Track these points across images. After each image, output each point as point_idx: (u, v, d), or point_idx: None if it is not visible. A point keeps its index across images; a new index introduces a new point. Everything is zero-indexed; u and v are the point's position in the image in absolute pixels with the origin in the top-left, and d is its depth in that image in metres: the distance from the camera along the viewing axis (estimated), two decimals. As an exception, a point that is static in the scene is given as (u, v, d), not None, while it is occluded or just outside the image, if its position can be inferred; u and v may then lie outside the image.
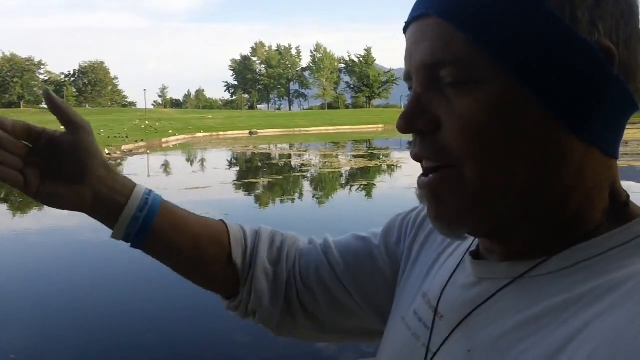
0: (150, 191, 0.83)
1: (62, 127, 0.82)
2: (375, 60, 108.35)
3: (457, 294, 0.59)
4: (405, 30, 0.56)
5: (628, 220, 0.51)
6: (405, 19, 0.56)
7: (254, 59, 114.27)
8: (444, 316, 0.59)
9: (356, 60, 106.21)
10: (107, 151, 29.19)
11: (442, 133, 0.51)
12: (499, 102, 0.49)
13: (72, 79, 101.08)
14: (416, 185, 0.57)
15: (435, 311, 0.61)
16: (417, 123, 0.53)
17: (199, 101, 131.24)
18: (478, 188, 0.51)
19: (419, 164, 0.57)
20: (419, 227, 0.78)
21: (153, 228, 0.81)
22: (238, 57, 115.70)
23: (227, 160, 26.91)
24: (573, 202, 0.51)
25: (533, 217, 0.52)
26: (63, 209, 0.77)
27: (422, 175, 0.55)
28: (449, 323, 0.57)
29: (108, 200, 0.77)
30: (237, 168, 23.49)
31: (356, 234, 0.92)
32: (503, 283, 0.53)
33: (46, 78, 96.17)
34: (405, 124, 0.53)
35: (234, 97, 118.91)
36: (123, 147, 32.36)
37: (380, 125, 58.05)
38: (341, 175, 18.84)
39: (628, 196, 0.54)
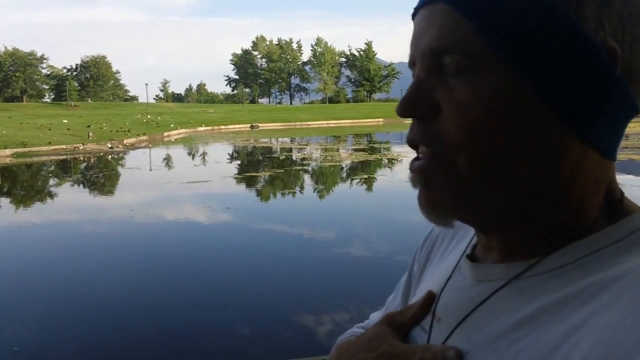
0: None
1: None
2: (375, 54, 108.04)
3: (454, 297, 0.59)
4: (414, 15, 0.56)
5: (622, 217, 0.51)
6: (408, 12, 0.57)
7: (255, 53, 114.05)
8: (441, 319, 0.59)
9: (357, 54, 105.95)
10: (109, 145, 29.23)
11: (441, 120, 0.51)
12: (500, 94, 0.48)
13: (75, 73, 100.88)
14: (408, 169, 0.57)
15: (433, 314, 0.61)
16: (417, 108, 0.52)
17: (200, 95, 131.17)
18: (470, 178, 0.51)
19: None
20: (426, 249, 0.78)
21: None
22: (239, 51, 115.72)
23: (229, 154, 26.95)
24: (569, 201, 0.51)
25: (528, 214, 0.52)
26: None
27: (415, 159, 0.55)
28: (446, 325, 0.57)
29: None
30: (239, 162, 23.54)
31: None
32: (499, 284, 0.54)
33: (48, 72, 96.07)
34: (405, 108, 0.53)
35: (235, 91, 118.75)
36: (125, 141, 32.40)
37: (381, 119, 58.03)
38: (342, 169, 18.89)
39: (622, 193, 0.54)
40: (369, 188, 14.53)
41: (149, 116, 51.55)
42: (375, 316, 0.83)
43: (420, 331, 0.62)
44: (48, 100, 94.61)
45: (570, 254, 0.50)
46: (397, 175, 16.40)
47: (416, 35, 0.54)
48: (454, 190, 0.52)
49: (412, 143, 0.55)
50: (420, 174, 0.54)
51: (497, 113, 0.49)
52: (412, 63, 0.56)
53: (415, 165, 0.55)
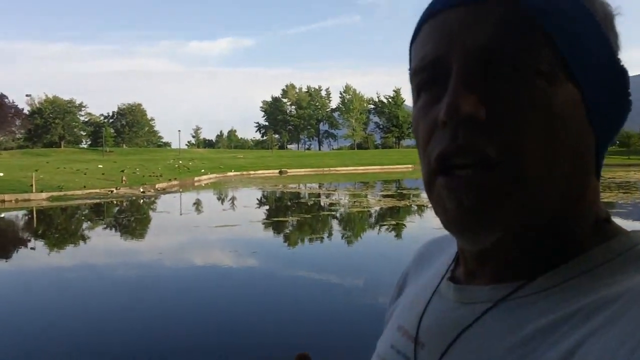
0: None
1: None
2: (404, 101, 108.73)
3: (437, 321, 0.57)
4: (429, 17, 0.53)
5: (611, 236, 0.50)
6: None
7: (285, 100, 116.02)
8: (425, 344, 0.56)
9: (385, 101, 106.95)
10: (141, 189, 29.80)
11: (494, 121, 0.48)
12: (558, 100, 0.47)
13: (111, 120, 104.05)
14: (440, 186, 0.50)
15: (415, 341, 0.58)
16: (469, 108, 0.47)
17: (230, 141, 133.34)
18: (521, 186, 0.48)
19: None
20: (401, 282, 0.77)
21: None
22: (269, 99, 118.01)
23: (257, 198, 27.17)
24: (573, 217, 0.51)
25: (552, 224, 0.50)
26: None
27: (444, 174, 0.50)
28: (432, 351, 0.55)
29: None
30: (267, 206, 23.69)
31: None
32: (485, 307, 0.52)
33: (86, 119, 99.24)
34: (451, 109, 0.47)
35: (265, 137, 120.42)
36: (157, 186, 33.01)
37: (410, 165, 57.94)
38: (370, 215, 18.84)
39: (608, 213, 0.53)
40: (398, 235, 14.42)
41: (180, 161, 52.57)
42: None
43: (402, 359, 0.59)
44: (85, 146, 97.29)
45: (560, 274, 0.49)
46: (427, 222, 16.27)
47: (449, 35, 0.50)
48: (501, 200, 0.48)
49: (451, 153, 0.49)
50: (467, 189, 0.48)
51: (554, 118, 0.47)
52: (430, 66, 0.51)
53: (459, 182, 0.49)
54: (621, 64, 0.50)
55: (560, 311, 0.46)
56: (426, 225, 15.21)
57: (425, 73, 0.52)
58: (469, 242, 0.53)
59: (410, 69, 0.55)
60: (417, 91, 0.54)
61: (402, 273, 0.78)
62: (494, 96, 0.48)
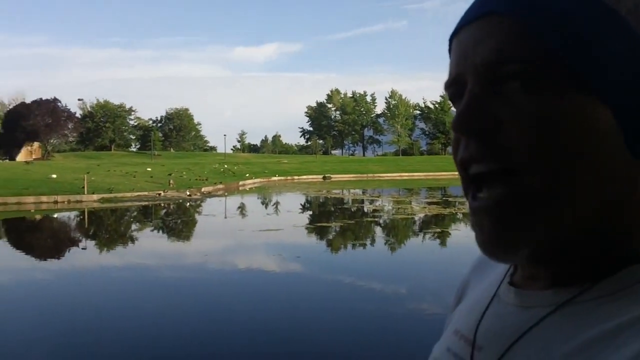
0: None
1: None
2: (451, 106, 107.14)
3: (496, 325, 0.56)
4: (454, 36, 0.55)
5: None
6: None
7: (329, 105, 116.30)
8: (483, 348, 0.55)
9: (432, 106, 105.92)
10: (188, 192, 30.35)
11: (502, 135, 0.48)
12: (570, 107, 0.47)
13: (159, 124, 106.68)
14: (469, 208, 0.53)
15: (473, 344, 0.57)
16: (476, 121, 0.49)
17: (275, 146, 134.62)
18: (544, 200, 0.48)
19: None
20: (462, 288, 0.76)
21: None
22: (314, 104, 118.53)
23: (301, 203, 27.27)
24: (625, 223, 0.50)
25: (590, 236, 0.50)
26: None
27: (472, 197, 0.52)
28: (489, 355, 0.54)
29: None
30: (310, 212, 23.75)
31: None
32: (546, 311, 0.51)
33: (136, 123, 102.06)
34: (462, 121, 0.50)
35: (309, 143, 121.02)
36: (203, 189, 33.57)
37: (456, 173, 56.94)
38: (414, 222, 18.62)
39: None
40: (443, 242, 14.19)
41: (226, 166, 53.37)
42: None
43: None
44: (134, 149, 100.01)
45: (624, 279, 0.48)
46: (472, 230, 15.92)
47: (465, 52, 0.52)
48: (527, 217, 0.49)
49: (466, 162, 0.51)
50: (490, 211, 0.50)
51: (569, 126, 0.47)
52: (453, 83, 0.54)
53: (481, 205, 0.51)
54: None
55: (623, 316, 0.45)
56: (472, 233, 14.86)
57: (451, 89, 0.54)
58: (500, 262, 0.53)
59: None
60: (452, 103, 0.56)
61: (461, 280, 0.75)
62: (500, 110, 0.49)
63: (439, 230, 16.37)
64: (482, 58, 0.50)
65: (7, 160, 59.21)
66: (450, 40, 0.56)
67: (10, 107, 77.42)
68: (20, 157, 66.32)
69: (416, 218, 19.57)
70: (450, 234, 15.67)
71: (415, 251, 13.16)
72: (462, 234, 14.90)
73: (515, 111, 0.48)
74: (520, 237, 0.49)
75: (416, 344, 6.02)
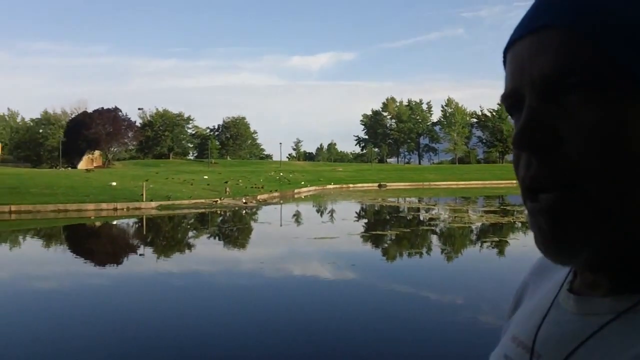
0: None
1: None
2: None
3: (555, 332, 0.56)
4: (508, 49, 0.55)
5: None
6: None
7: (385, 113, 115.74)
8: (541, 356, 0.55)
9: (489, 114, 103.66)
10: (244, 200, 30.82)
11: (565, 149, 0.48)
12: (633, 117, 0.46)
13: (216, 133, 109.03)
14: (528, 211, 0.53)
15: (531, 352, 0.57)
16: (538, 137, 0.49)
17: (330, 154, 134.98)
18: (605, 210, 0.47)
19: None
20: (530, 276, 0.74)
21: None
22: (369, 112, 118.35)
23: (356, 212, 27.19)
24: None
25: None
26: None
27: (530, 200, 0.52)
28: None
29: None
30: (365, 220, 23.62)
31: None
32: (607, 318, 0.50)
33: (193, 132, 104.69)
34: (524, 138, 0.49)
35: (364, 151, 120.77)
36: (258, 197, 33.99)
37: (514, 181, 55.09)
38: (471, 231, 18.21)
39: None
40: (501, 252, 13.81)
41: (281, 173, 53.93)
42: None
43: None
44: (192, 157, 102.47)
45: None
46: (531, 239, 15.43)
47: (521, 66, 0.52)
48: (586, 223, 0.49)
49: (536, 180, 0.51)
50: (549, 214, 0.50)
51: (630, 137, 0.46)
52: (510, 96, 0.54)
53: (541, 207, 0.51)
54: None
55: None
56: (530, 242, 14.38)
57: (508, 101, 0.54)
58: (556, 263, 0.53)
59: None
60: (510, 115, 0.56)
61: (519, 287, 0.73)
62: (561, 124, 0.48)
63: (496, 239, 15.94)
64: (539, 71, 0.49)
65: (69, 168, 61.32)
66: (505, 53, 0.56)
67: (73, 116, 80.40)
68: (82, 165, 68.44)
69: (473, 227, 19.14)
70: (508, 243, 15.22)
71: (472, 260, 12.85)
72: (521, 243, 14.44)
73: (577, 123, 0.48)
74: (579, 240, 0.49)
75: (473, 355, 5.86)
